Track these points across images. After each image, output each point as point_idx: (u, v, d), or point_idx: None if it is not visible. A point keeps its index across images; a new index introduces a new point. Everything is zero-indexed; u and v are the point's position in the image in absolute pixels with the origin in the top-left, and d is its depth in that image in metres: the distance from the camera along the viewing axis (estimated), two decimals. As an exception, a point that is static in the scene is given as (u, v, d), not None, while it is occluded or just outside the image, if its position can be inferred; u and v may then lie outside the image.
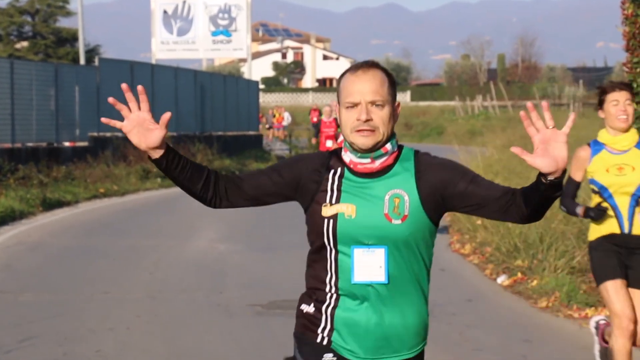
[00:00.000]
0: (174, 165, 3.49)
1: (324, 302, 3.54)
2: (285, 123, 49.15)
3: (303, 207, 3.60)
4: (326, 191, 3.51)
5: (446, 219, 16.79)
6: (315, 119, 40.66)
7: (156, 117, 3.41)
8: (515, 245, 11.76)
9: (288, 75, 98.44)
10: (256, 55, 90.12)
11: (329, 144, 20.50)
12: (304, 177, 3.55)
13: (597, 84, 6.98)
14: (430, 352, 7.98)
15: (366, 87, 3.45)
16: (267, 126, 50.62)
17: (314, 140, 21.66)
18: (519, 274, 10.91)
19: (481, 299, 10.17)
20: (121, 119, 3.51)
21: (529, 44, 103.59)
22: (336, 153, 3.60)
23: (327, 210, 3.48)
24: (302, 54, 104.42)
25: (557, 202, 5.78)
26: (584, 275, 10.56)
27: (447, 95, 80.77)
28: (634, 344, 6.22)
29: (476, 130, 45.29)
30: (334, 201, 3.49)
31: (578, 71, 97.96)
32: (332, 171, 3.54)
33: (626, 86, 6.25)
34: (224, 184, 3.58)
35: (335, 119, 20.39)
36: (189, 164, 3.51)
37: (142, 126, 3.43)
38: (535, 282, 10.47)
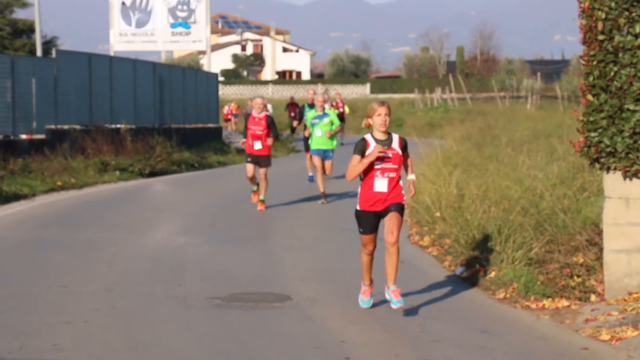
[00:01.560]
0: None
1: None
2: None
3: None
4: None
5: (405, 210, 16.84)
6: (292, 114, 38.49)
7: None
8: (473, 237, 11.84)
9: (248, 67, 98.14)
10: (215, 47, 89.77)
11: (258, 145, 16.76)
12: None
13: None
14: (389, 344, 8.04)
15: None
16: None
17: (241, 143, 17.73)
18: (477, 266, 10.98)
19: (440, 291, 10.22)
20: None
21: (488, 36, 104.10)
22: None
23: None
24: (261, 46, 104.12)
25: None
26: (541, 266, 10.66)
27: (407, 88, 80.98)
28: None
29: (435, 123, 45.52)
30: None
31: (536, 64, 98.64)
32: None
33: None
34: None
35: (267, 116, 17.06)
36: None
37: None
38: (493, 274, 10.54)
